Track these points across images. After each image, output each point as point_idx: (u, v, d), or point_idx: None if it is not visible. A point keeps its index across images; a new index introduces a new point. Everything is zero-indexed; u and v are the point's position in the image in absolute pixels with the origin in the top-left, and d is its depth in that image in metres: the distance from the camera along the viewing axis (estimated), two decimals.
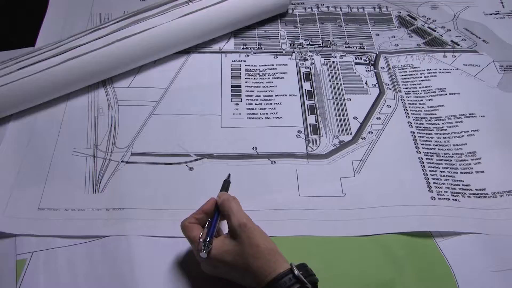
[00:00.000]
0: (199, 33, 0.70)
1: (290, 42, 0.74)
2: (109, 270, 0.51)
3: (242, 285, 0.47)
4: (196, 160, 0.60)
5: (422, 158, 0.61)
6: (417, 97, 0.67)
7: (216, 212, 0.49)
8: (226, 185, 0.53)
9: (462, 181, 0.59)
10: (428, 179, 0.59)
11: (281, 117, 0.64)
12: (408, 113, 0.65)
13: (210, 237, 0.46)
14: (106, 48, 0.64)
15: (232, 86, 0.68)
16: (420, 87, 0.68)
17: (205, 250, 0.45)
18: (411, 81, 0.69)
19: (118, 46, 0.65)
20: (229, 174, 0.55)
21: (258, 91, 0.68)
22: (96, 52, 0.64)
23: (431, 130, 0.64)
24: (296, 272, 0.43)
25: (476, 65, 0.71)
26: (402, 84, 0.69)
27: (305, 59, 0.71)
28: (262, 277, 0.44)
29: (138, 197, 0.56)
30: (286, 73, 0.70)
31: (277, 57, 0.72)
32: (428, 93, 0.68)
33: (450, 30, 0.76)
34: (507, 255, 0.53)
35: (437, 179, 0.59)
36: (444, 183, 0.58)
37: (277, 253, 0.45)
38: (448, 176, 0.59)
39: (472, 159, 0.61)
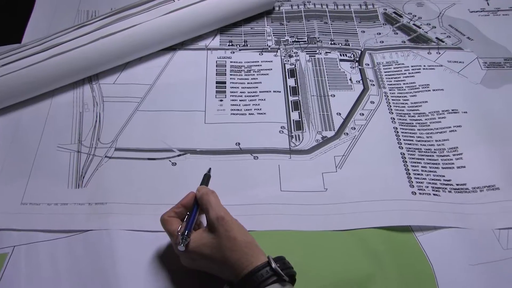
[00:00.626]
0: (184, 31, 0.70)
1: (276, 39, 0.75)
2: (91, 263, 0.51)
3: (221, 278, 0.47)
4: (179, 155, 0.60)
5: (404, 154, 0.61)
6: (401, 93, 0.68)
7: (195, 205, 0.49)
8: (206, 179, 0.54)
9: (443, 176, 0.59)
10: (409, 174, 0.59)
11: (264, 113, 0.65)
12: (391, 109, 0.66)
13: (188, 231, 0.46)
14: (91, 44, 0.65)
15: (217, 82, 0.68)
16: (404, 84, 0.69)
17: (183, 243, 0.45)
18: (395, 78, 0.70)
19: (103, 43, 0.65)
20: (210, 169, 0.55)
21: (243, 88, 0.68)
22: (81, 49, 0.64)
23: (414, 126, 0.64)
24: (273, 264, 0.44)
25: (460, 62, 0.71)
26: (387, 81, 0.69)
27: (290, 56, 0.72)
28: (240, 269, 0.44)
29: (120, 191, 0.57)
30: (271, 69, 0.70)
31: (262, 54, 0.72)
32: (412, 89, 0.68)
33: (435, 27, 0.76)
34: (485, 248, 0.53)
35: (418, 174, 0.59)
36: (425, 178, 0.59)
37: (254, 246, 0.46)
38: (430, 171, 0.59)
39: (454, 155, 0.61)
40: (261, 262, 0.44)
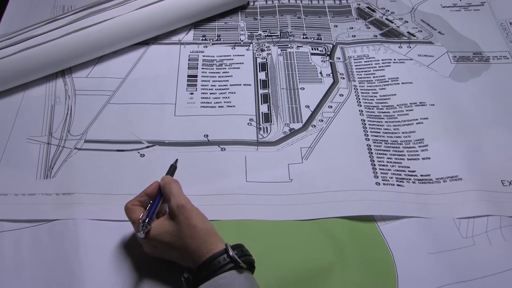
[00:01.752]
0: (157, 25, 0.71)
1: (249, 33, 0.75)
2: (55, 252, 0.52)
3: (182, 265, 0.48)
4: (147, 147, 0.61)
5: (370, 145, 0.62)
6: (370, 86, 0.69)
7: (158, 194, 0.50)
8: (171, 170, 0.54)
9: (408, 167, 0.60)
10: (374, 165, 0.60)
11: (234, 106, 0.66)
12: (360, 102, 0.67)
13: (149, 218, 0.47)
14: (64, 38, 0.65)
15: (188, 76, 0.69)
16: (374, 77, 0.70)
17: (143, 230, 0.46)
18: (365, 71, 0.71)
19: (76, 36, 0.66)
20: (176, 160, 0.56)
21: (214, 81, 0.69)
22: (54, 42, 0.65)
23: (382, 118, 0.65)
24: (230, 252, 0.44)
25: (430, 56, 0.72)
26: (357, 74, 0.70)
27: (262, 50, 0.73)
28: (198, 257, 0.45)
29: (88, 182, 0.57)
30: (243, 63, 0.71)
31: (234, 48, 0.73)
32: (381, 82, 0.69)
33: (407, 22, 0.77)
34: (445, 237, 0.54)
35: (383, 165, 0.60)
36: (390, 169, 0.59)
37: (213, 234, 0.47)
38: (395, 162, 0.60)
39: (419, 146, 0.62)
40: (219, 249, 0.45)
